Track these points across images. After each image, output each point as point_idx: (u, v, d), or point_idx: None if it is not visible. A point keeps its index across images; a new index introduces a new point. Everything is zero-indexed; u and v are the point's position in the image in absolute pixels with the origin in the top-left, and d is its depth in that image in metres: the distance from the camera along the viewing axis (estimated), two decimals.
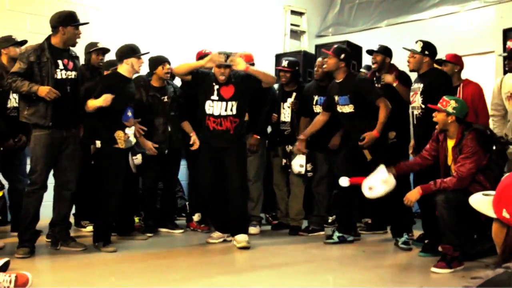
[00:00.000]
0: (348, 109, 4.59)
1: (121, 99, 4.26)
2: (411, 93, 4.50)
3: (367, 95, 4.52)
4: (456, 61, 4.71)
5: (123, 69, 4.34)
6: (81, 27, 4.13)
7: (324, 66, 4.75)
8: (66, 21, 4.00)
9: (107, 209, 4.28)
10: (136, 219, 5.25)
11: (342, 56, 4.57)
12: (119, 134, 4.27)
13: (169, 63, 4.98)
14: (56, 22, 4.02)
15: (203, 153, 4.71)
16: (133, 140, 4.41)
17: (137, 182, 5.00)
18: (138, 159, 4.63)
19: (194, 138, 4.94)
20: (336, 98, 4.65)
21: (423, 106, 4.33)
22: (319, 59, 5.20)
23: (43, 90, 3.85)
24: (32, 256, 3.93)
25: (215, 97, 4.56)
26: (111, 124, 4.24)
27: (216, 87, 4.58)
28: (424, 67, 4.43)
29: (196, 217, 5.40)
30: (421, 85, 4.39)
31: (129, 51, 4.33)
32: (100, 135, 4.27)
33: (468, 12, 6.58)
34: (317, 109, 5.08)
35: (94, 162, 4.58)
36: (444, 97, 3.97)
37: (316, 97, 5.11)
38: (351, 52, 4.83)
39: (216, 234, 4.72)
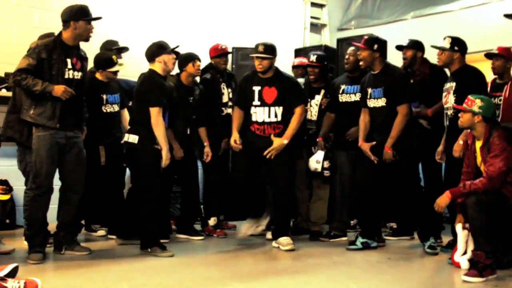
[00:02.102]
0: (381, 102, 4.57)
1: (165, 98, 4.38)
2: (444, 93, 4.46)
3: (397, 93, 4.50)
4: (508, 55, 4.62)
5: (157, 67, 4.39)
6: (92, 23, 4.15)
7: (361, 63, 4.69)
8: (77, 15, 4.03)
9: (150, 211, 4.31)
10: None
11: (376, 46, 4.55)
12: None
13: (199, 60, 5.02)
14: (67, 16, 4.05)
15: (243, 152, 4.76)
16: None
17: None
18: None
19: (207, 150, 5.11)
20: (369, 91, 4.64)
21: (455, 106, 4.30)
22: (351, 48, 5.15)
23: (59, 89, 3.89)
24: (44, 261, 3.99)
25: (256, 102, 4.66)
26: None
27: (258, 89, 4.66)
28: (455, 63, 4.39)
29: (211, 221, 5.43)
30: (454, 84, 4.36)
31: (159, 49, 4.39)
32: (139, 131, 4.29)
33: (501, 2, 6.50)
34: (343, 98, 5.06)
35: (125, 162, 4.63)
36: (469, 96, 3.94)
37: (343, 86, 5.08)
38: (383, 40, 4.78)
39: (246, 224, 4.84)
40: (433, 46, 4.51)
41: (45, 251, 4.07)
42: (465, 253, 3.99)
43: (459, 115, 4.00)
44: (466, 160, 4.07)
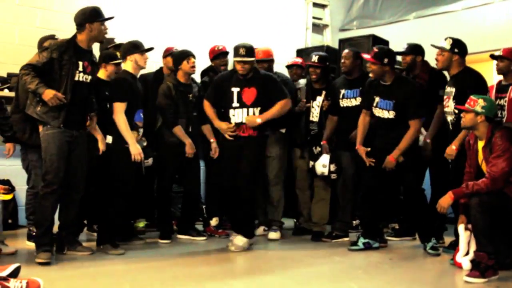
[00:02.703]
0: (388, 114, 4.55)
1: (133, 98, 4.43)
2: (444, 97, 4.46)
3: (410, 107, 4.46)
4: None
5: (128, 66, 4.51)
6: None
7: (370, 74, 4.67)
8: (92, 17, 4.05)
9: (115, 209, 4.39)
10: (142, 224, 5.33)
11: (386, 60, 4.48)
12: (133, 133, 4.42)
13: (194, 57, 4.96)
14: (81, 19, 4.06)
15: (223, 153, 4.79)
16: (143, 142, 4.58)
17: (152, 184, 5.07)
18: (149, 162, 4.67)
19: (214, 146, 5.03)
20: (377, 99, 4.60)
21: (456, 112, 4.29)
22: (346, 50, 5.16)
23: (48, 94, 3.86)
24: (52, 260, 3.98)
25: (235, 103, 4.63)
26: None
27: (237, 90, 4.64)
28: (454, 66, 4.39)
29: (213, 221, 5.43)
30: (454, 90, 4.35)
31: (131, 47, 4.50)
32: (112, 131, 4.37)
33: (504, 2, 6.50)
34: (344, 103, 5.06)
35: (102, 159, 4.66)
36: (472, 97, 3.94)
37: (342, 91, 5.07)
38: (393, 51, 4.72)
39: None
40: (433, 45, 4.50)
41: (52, 250, 4.06)
42: (467, 254, 3.99)
43: (462, 115, 3.99)
44: (468, 160, 4.07)
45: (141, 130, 4.59)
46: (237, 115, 4.64)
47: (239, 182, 4.62)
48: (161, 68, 5.49)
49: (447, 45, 4.38)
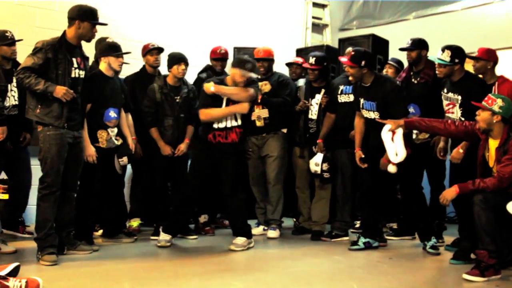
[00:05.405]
0: (373, 115, 4.56)
1: (100, 99, 4.43)
2: (446, 102, 4.44)
3: (392, 107, 4.48)
4: (488, 57, 4.58)
5: (102, 67, 4.52)
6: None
7: (350, 78, 4.67)
8: (84, 15, 4.04)
9: (86, 207, 4.41)
10: (135, 223, 5.33)
11: (363, 62, 4.49)
12: (101, 133, 4.47)
13: (186, 63, 4.97)
14: (74, 14, 4.05)
15: (200, 153, 4.74)
16: (116, 141, 4.58)
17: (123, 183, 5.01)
18: (124, 160, 4.66)
19: (181, 146, 5.02)
20: (362, 101, 4.62)
21: (462, 119, 4.28)
22: (348, 49, 5.17)
23: (60, 91, 3.89)
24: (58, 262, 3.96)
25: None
26: (92, 123, 4.41)
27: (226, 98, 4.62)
28: (456, 74, 4.37)
29: (202, 218, 5.44)
30: (459, 97, 4.34)
31: (107, 49, 4.50)
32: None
33: (504, 2, 6.51)
34: (342, 98, 5.07)
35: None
36: (490, 95, 3.92)
37: (341, 87, 5.09)
38: (370, 53, 4.70)
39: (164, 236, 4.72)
40: (431, 59, 4.49)
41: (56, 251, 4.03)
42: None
43: (477, 113, 3.93)
44: (467, 122, 4.08)
45: (115, 129, 4.58)
46: (223, 120, 4.60)
47: (225, 191, 4.66)
48: (144, 67, 5.40)
49: (446, 57, 4.33)
